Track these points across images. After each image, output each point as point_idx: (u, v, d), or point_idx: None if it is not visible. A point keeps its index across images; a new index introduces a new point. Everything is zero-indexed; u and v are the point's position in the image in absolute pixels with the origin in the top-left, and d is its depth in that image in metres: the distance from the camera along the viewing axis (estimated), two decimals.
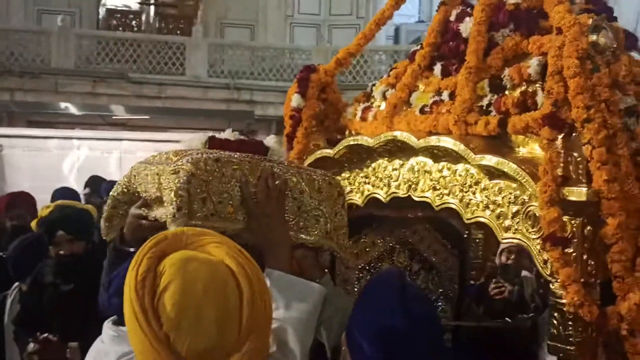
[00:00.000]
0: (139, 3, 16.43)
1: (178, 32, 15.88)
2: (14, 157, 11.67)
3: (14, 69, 12.93)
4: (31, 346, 3.06)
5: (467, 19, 2.27)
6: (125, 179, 2.27)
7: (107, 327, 1.84)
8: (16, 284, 3.69)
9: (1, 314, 3.75)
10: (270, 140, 2.32)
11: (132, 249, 2.23)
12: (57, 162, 11.41)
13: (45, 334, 3.07)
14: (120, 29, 15.77)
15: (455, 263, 3.18)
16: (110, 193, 2.38)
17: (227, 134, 2.25)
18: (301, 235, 2.04)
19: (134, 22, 16.29)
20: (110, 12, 16.27)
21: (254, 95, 13.71)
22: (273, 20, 16.26)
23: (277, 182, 1.95)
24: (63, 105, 13.25)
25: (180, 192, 1.82)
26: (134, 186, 2.21)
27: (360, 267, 2.98)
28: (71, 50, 13.27)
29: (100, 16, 16.16)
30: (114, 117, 13.61)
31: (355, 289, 2.93)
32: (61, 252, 3.26)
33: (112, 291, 1.97)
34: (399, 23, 16.93)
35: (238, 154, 2.03)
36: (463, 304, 3.22)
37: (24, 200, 5.20)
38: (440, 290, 3.15)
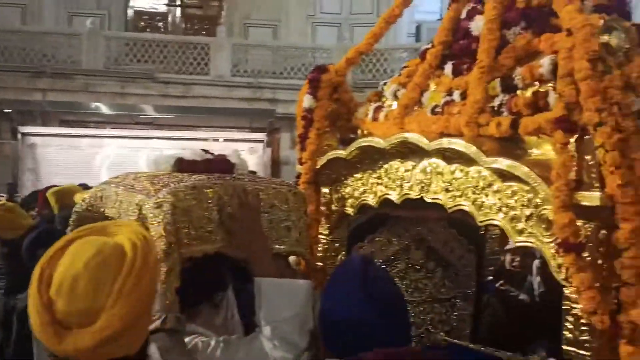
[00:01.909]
0: (166, 4, 16.62)
1: (203, 32, 16.11)
2: (48, 154, 12.11)
3: (46, 70, 13.19)
4: None
5: (478, 16, 2.24)
6: (90, 198, 2.38)
7: None
8: None
9: None
10: (233, 156, 2.37)
11: None
12: (89, 159, 11.85)
13: None
14: (148, 30, 16.00)
15: (472, 260, 3.16)
16: (75, 209, 2.48)
17: (194, 154, 2.28)
18: (275, 246, 2.20)
19: (160, 24, 16.52)
20: (138, 14, 16.49)
21: (276, 94, 13.85)
22: (295, 19, 16.38)
23: (249, 198, 2.12)
24: (93, 105, 13.51)
25: (169, 227, 1.94)
26: (100, 207, 2.29)
27: None
28: (100, 52, 13.53)
29: (128, 18, 16.36)
30: (141, 116, 13.84)
31: None
32: None
33: None
34: (420, 20, 16.78)
35: (209, 175, 2.17)
36: (482, 300, 3.20)
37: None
38: (458, 287, 3.13)
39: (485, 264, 3.20)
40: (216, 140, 12.55)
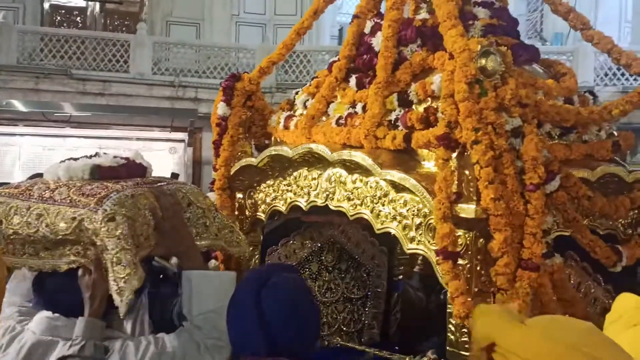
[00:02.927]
0: None
1: (123, 29, 15.80)
2: None
3: None
4: None
5: (379, 32, 2.35)
6: None
7: (49, 318, 2.06)
8: None
9: None
10: (137, 157, 2.40)
11: None
12: (0, 158, 11.33)
13: None
14: (65, 25, 15.53)
15: (383, 260, 3.30)
16: None
17: (108, 161, 2.30)
18: (196, 242, 2.29)
19: (78, 19, 16.05)
20: (55, 8, 15.96)
21: (198, 93, 13.71)
22: (219, 18, 16.25)
23: (174, 198, 2.21)
24: (5, 101, 12.97)
25: (130, 239, 1.99)
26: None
27: None
28: (13, 46, 13.03)
29: (44, 12, 15.81)
30: (55, 114, 13.38)
31: None
32: None
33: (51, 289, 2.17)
34: (343, 22, 16.95)
35: (134, 181, 2.22)
36: (392, 298, 3.34)
37: None
38: (370, 287, 3.26)
39: (395, 264, 3.35)
40: (140, 139, 12.33)
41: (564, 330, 1.19)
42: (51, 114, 13.12)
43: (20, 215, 2.16)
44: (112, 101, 13.31)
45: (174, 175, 7.12)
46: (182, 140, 13.20)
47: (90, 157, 2.32)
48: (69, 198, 2.13)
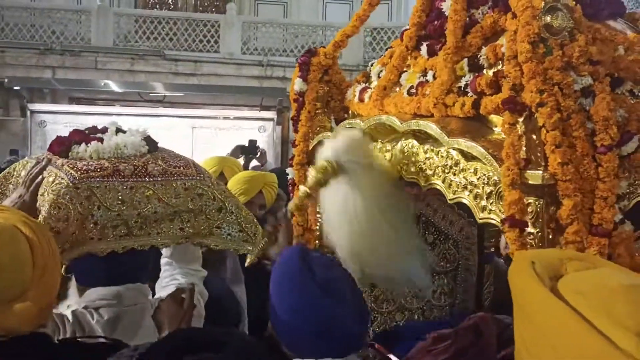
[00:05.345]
0: None
1: (213, 9, 16.19)
2: (57, 132, 12.28)
3: (55, 47, 13.42)
4: None
5: None
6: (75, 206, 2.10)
7: (131, 289, 2.22)
8: None
9: None
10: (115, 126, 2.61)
11: None
12: None
13: None
14: (157, 7, 16.11)
15: (473, 232, 3.21)
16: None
17: (144, 134, 2.48)
18: None
19: (170, 0, 16.56)
20: None
21: (286, 72, 13.79)
22: None
23: None
24: (103, 82, 13.64)
25: None
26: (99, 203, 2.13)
27: None
28: (110, 29, 13.65)
29: None
30: (151, 94, 13.95)
31: None
32: None
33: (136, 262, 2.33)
34: None
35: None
36: (484, 272, 3.25)
37: None
38: (459, 259, 3.19)
39: (485, 235, 3.25)
40: (227, 118, 12.61)
41: None
42: (146, 94, 13.66)
43: (125, 196, 2.16)
44: (204, 81, 13.71)
45: (252, 142, 7.09)
46: (271, 119, 13.35)
47: (103, 132, 2.49)
48: (169, 171, 2.26)
